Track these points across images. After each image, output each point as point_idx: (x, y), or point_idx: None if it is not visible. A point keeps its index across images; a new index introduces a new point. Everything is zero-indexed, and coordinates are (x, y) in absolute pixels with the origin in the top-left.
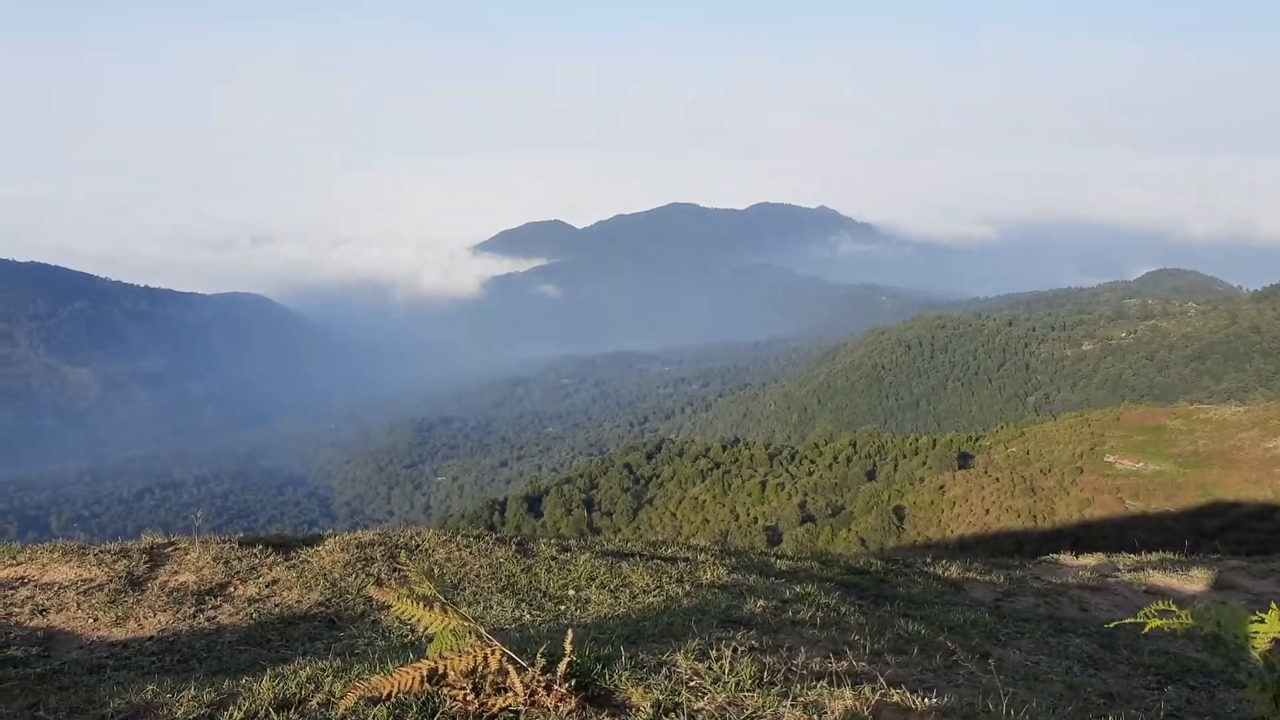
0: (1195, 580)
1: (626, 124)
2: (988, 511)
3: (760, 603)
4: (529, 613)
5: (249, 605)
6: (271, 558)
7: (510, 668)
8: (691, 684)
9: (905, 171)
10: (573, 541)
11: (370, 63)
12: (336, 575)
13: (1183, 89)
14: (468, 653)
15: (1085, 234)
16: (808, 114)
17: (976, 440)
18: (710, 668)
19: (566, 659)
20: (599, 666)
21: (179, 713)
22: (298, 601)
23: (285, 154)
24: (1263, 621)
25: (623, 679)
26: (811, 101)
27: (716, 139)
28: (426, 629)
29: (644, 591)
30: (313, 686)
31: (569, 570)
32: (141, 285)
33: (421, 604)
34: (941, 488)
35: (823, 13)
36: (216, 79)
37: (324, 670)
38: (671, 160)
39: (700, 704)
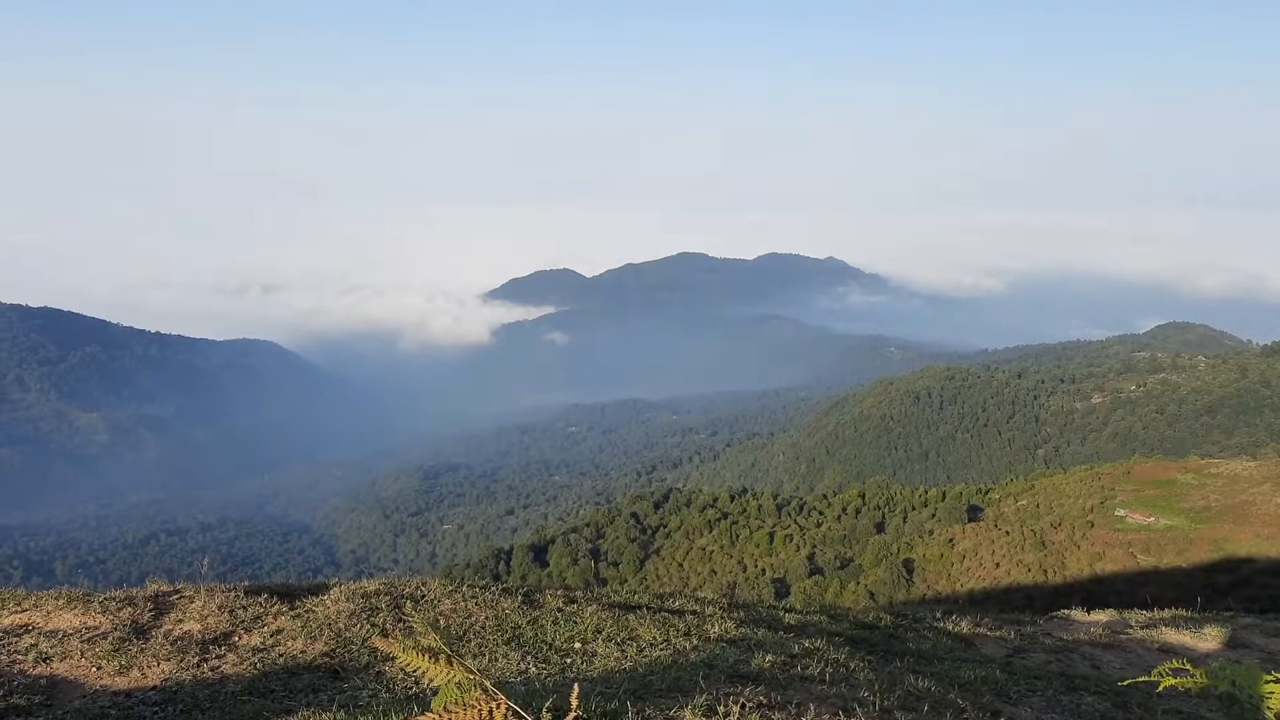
0: (1209, 638)
1: (636, 174)
2: (998, 565)
3: (769, 658)
4: (535, 665)
5: (253, 655)
6: (276, 607)
7: None
8: None
9: (913, 223)
10: (579, 593)
11: (383, 113)
12: (341, 625)
13: (1191, 142)
14: (473, 706)
15: (1093, 287)
16: (816, 165)
17: (986, 493)
18: None
19: (573, 714)
20: None
21: None
22: (302, 651)
23: (298, 202)
24: (1277, 681)
25: None
26: (820, 152)
27: (725, 189)
28: (431, 681)
29: (651, 645)
30: None
31: (575, 622)
32: (153, 331)
33: (427, 656)
34: (951, 540)
35: (832, 65)
36: (230, 127)
37: None
38: (681, 210)
39: None
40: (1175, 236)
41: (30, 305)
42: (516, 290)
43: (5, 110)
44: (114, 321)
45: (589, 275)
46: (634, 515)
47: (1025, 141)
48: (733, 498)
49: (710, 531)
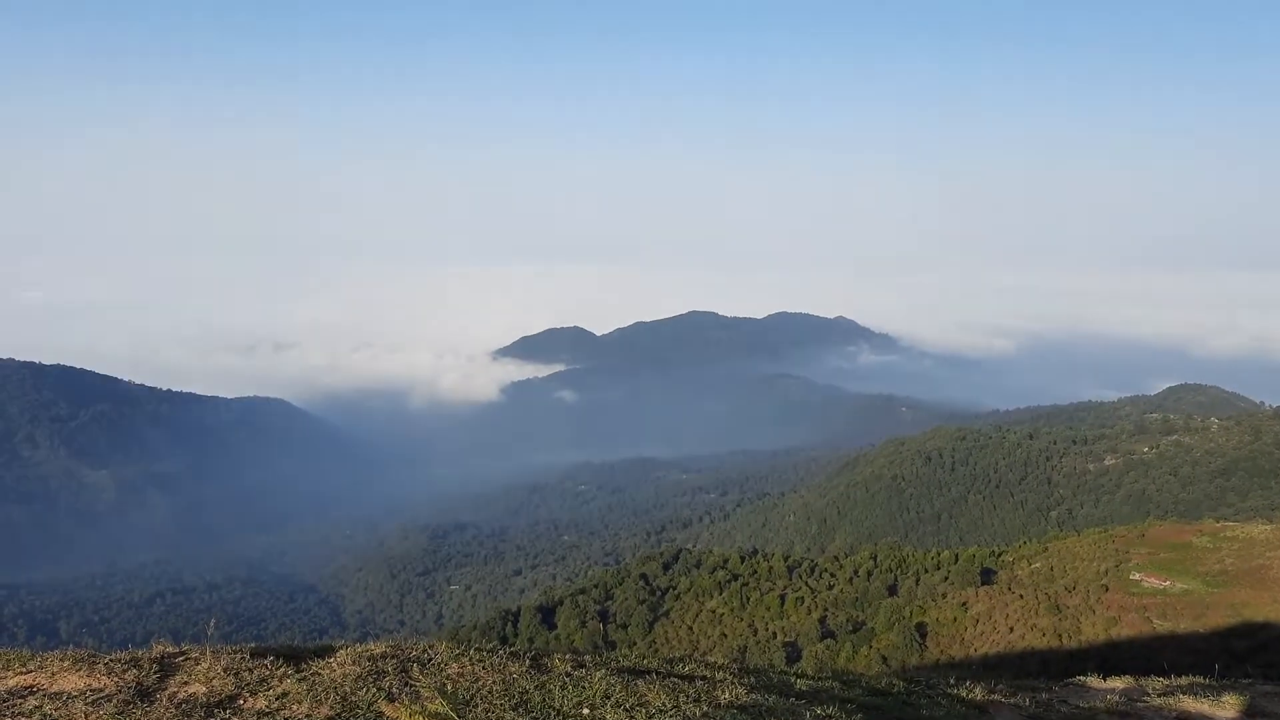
0: (1227, 706)
1: (646, 233)
2: (1011, 629)
3: None
4: None
5: (258, 719)
6: (282, 669)
7: None
8: None
9: (923, 283)
10: (587, 656)
11: (392, 170)
12: (348, 689)
13: (1202, 204)
14: None
15: (1104, 348)
16: (825, 224)
17: (999, 555)
18: None
19: None
20: None
21: None
22: (307, 716)
23: (310, 259)
24: None
25: None
26: (829, 212)
27: (735, 248)
28: None
29: (660, 711)
30: None
31: (584, 688)
32: (164, 389)
33: None
34: (964, 604)
35: (843, 123)
36: (243, 185)
37: None
38: (690, 268)
39: None
40: (1186, 298)
41: (43, 363)
42: (527, 348)
43: (20, 171)
44: (125, 379)
45: (599, 333)
46: (643, 576)
47: (1034, 202)
48: (743, 559)
49: (720, 593)
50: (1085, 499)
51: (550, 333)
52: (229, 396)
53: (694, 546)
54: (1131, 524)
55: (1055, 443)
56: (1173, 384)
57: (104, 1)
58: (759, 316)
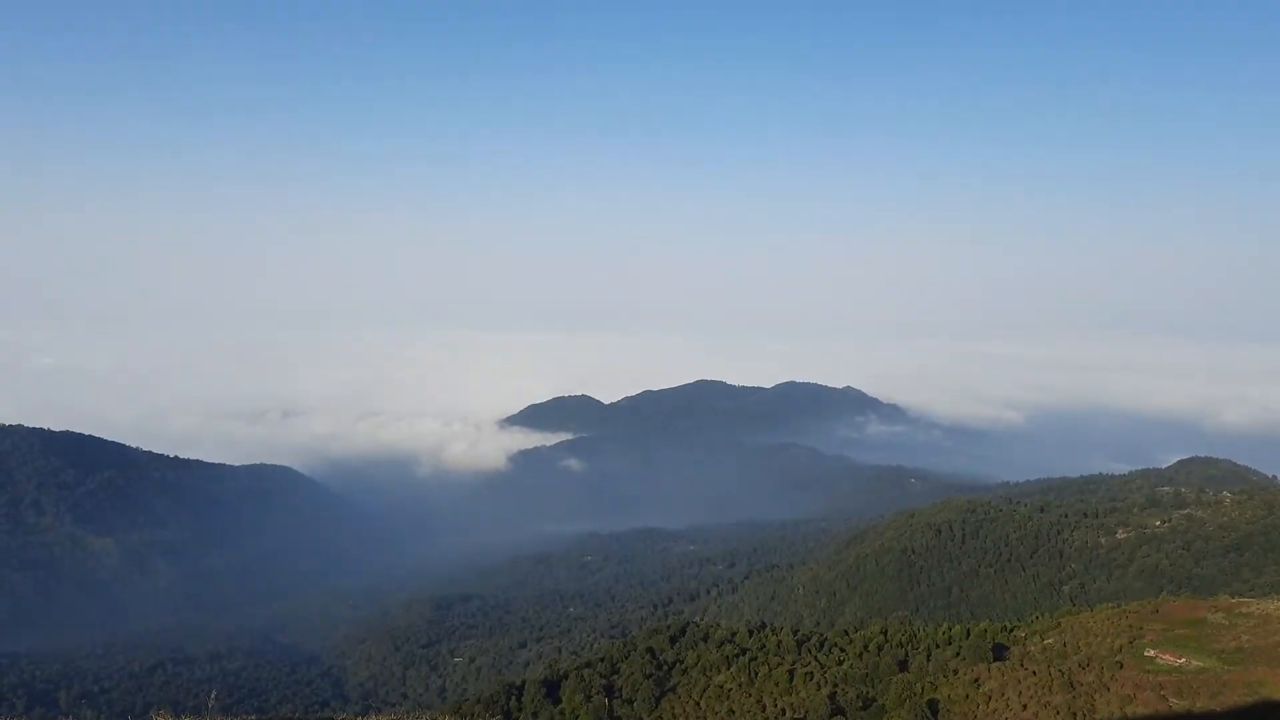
0: None
1: (655, 301)
2: (1025, 707)
3: None
4: None
5: None
6: None
7: None
8: None
9: (931, 354)
10: None
11: (400, 238)
12: None
13: (1212, 276)
14: None
15: (1114, 420)
16: (833, 294)
17: (1011, 631)
18: None
19: None
20: None
21: None
22: None
23: (317, 327)
24: None
25: None
26: (837, 281)
27: (743, 317)
28: None
29: None
30: None
31: None
32: (171, 456)
33: None
34: (976, 681)
35: (851, 193)
36: (249, 256)
37: None
38: (698, 337)
39: None
40: (1195, 370)
41: (52, 429)
42: (534, 416)
43: (33, 240)
44: (133, 446)
45: (607, 401)
46: (649, 650)
47: (1042, 273)
48: (751, 633)
49: (728, 668)
50: (1097, 573)
51: (558, 401)
52: (236, 464)
53: (701, 619)
54: (1145, 599)
55: (1066, 516)
56: (1183, 457)
57: (115, 75)
58: (767, 386)
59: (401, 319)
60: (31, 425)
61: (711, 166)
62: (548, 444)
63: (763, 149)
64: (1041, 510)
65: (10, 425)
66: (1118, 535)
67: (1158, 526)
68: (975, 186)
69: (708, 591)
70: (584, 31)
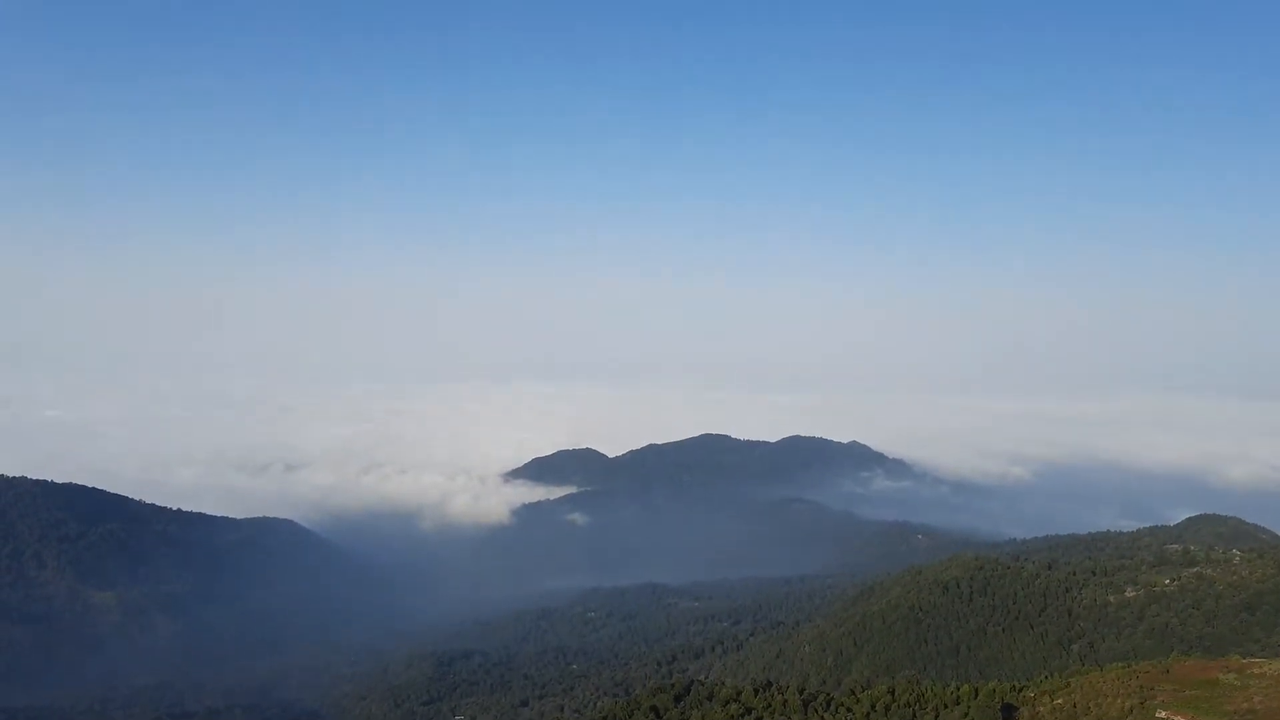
0: None
1: (660, 354)
2: None
3: None
4: None
5: None
6: None
7: None
8: None
9: (937, 409)
10: None
11: (403, 290)
12: None
13: (1218, 332)
14: None
15: (1121, 476)
16: (838, 348)
17: (1020, 691)
18: None
19: None
20: None
21: None
22: None
23: (319, 380)
24: None
25: None
26: (841, 336)
27: (748, 370)
28: None
29: None
30: None
31: None
32: (174, 508)
33: None
34: None
35: (858, 249)
36: (256, 307)
37: None
38: (703, 390)
39: None
40: (1201, 425)
41: (55, 481)
42: (538, 469)
43: (36, 291)
44: (136, 498)
45: (611, 455)
46: (653, 709)
47: (1049, 328)
48: (756, 692)
49: None
50: (1107, 632)
51: (562, 454)
52: (239, 517)
53: (706, 678)
54: (1156, 659)
55: (1075, 573)
56: (1192, 514)
57: (114, 125)
58: (772, 440)
59: (403, 371)
60: (35, 477)
61: (717, 219)
62: (551, 497)
63: (769, 203)
64: (1049, 567)
65: (14, 477)
66: (1127, 593)
67: (1167, 585)
68: (980, 243)
69: (712, 649)
70: (582, 87)
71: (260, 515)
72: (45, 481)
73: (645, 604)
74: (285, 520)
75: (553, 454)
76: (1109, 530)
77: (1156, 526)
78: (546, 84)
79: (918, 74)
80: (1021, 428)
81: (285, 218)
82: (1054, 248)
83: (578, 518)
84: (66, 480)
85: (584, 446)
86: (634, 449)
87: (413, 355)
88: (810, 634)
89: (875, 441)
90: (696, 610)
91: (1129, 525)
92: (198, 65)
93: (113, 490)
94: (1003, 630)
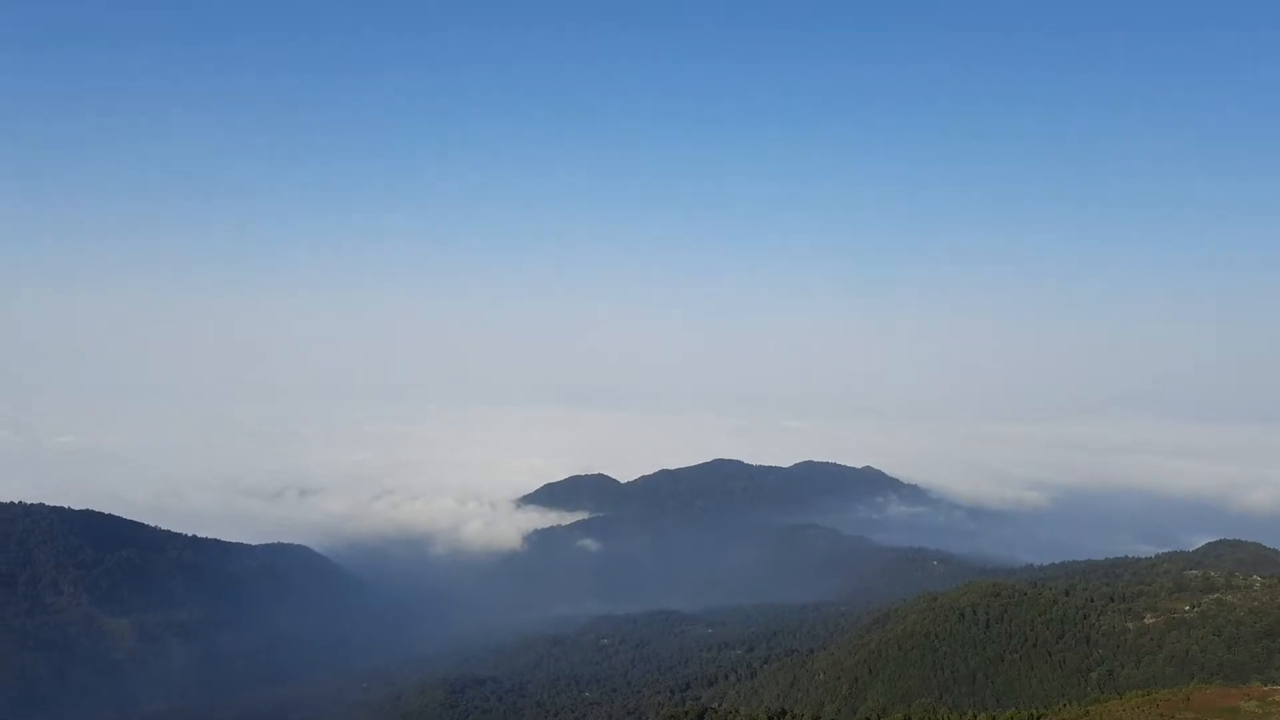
0: None
1: (672, 379)
2: None
3: None
4: None
5: None
6: None
7: None
8: None
9: (951, 434)
10: None
11: (416, 316)
12: None
13: (1237, 355)
14: None
15: (1138, 501)
16: (851, 373)
17: (1039, 719)
18: None
19: None
20: None
21: None
22: None
23: (331, 406)
24: None
25: None
26: (855, 360)
27: (761, 396)
28: None
29: None
30: None
31: None
32: (189, 535)
33: None
34: None
35: (870, 273)
36: (268, 334)
37: None
38: (716, 416)
39: None
40: (1219, 450)
41: (73, 508)
42: (550, 495)
43: (51, 318)
44: (151, 524)
45: (623, 481)
46: None
47: (1065, 353)
48: (771, 719)
49: None
50: (1126, 659)
51: (574, 480)
52: (253, 543)
53: (720, 705)
54: (1176, 687)
55: (1093, 599)
56: (1210, 539)
57: (127, 157)
58: (785, 465)
59: (415, 397)
60: (52, 504)
61: (728, 246)
62: (563, 523)
63: (781, 230)
64: (1067, 593)
65: (31, 504)
66: (1146, 620)
67: (1187, 611)
68: (994, 268)
69: (726, 676)
70: (597, 116)
71: (274, 541)
72: (61, 508)
73: (658, 631)
74: (299, 546)
75: (565, 480)
76: (1127, 556)
77: (1175, 552)
78: (564, 118)
79: (947, 96)
80: (1037, 453)
81: (296, 242)
82: (1073, 273)
83: (590, 543)
84: (83, 507)
85: (596, 472)
86: (646, 475)
87: (424, 381)
88: (824, 661)
89: (889, 467)
90: (710, 637)
91: (1147, 551)
92: (209, 88)
93: (128, 516)
94: (1020, 657)
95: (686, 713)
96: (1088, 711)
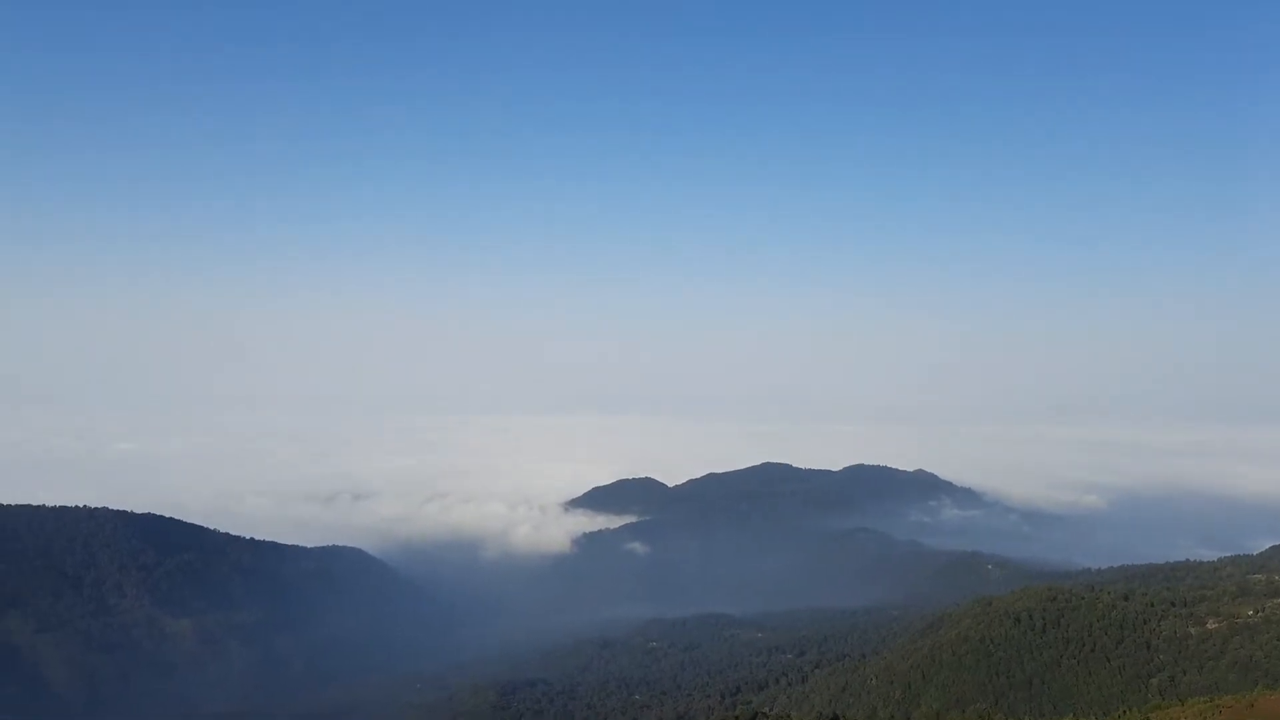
0: None
1: (719, 382)
2: None
3: None
4: None
5: None
6: None
7: None
8: None
9: (1006, 436)
10: None
11: (467, 322)
12: None
13: None
14: None
15: (1200, 504)
16: (902, 375)
17: None
18: None
19: None
20: None
21: None
22: None
23: (387, 410)
24: None
25: None
26: (907, 362)
27: (810, 398)
28: None
29: None
30: None
31: None
32: (247, 538)
33: None
34: None
35: (921, 272)
36: (322, 340)
37: None
38: (763, 419)
39: None
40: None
41: (135, 512)
42: (598, 499)
43: (115, 331)
44: (211, 528)
45: (671, 484)
46: None
47: (1123, 354)
48: None
49: None
50: (1188, 665)
51: (621, 484)
52: (308, 546)
53: (771, 710)
54: (1239, 694)
55: (1153, 604)
56: (1276, 542)
57: (179, 168)
58: (835, 469)
59: (458, 404)
60: (115, 508)
61: (777, 248)
62: (611, 527)
63: (832, 232)
64: (1126, 598)
65: (95, 508)
66: (1208, 625)
67: (1251, 616)
68: (1047, 267)
69: (776, 681)
70: (633, 121)
71: (329, 544)
72: (124, 512)
73: (707, 635)
74: (353, 548)
75: (612, 483)
76: (1188, 560)
77: (1238, 556)
78: (605, 129)
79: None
80: (1094, 456)
81: (346, 252)
82: (1131, 276)
83: (638, 547)
84: (145, 510)
85: (643, 476)
86: (694, 478)
87: (465, 389)
88: (877, 667)
89: (942, 469)
90: (759, 642)
91: (1209, 554)
92: (248, 96)
93: (188, 520)
94: (1078, 663)
95: (737, 717)
96: (1148, 717)
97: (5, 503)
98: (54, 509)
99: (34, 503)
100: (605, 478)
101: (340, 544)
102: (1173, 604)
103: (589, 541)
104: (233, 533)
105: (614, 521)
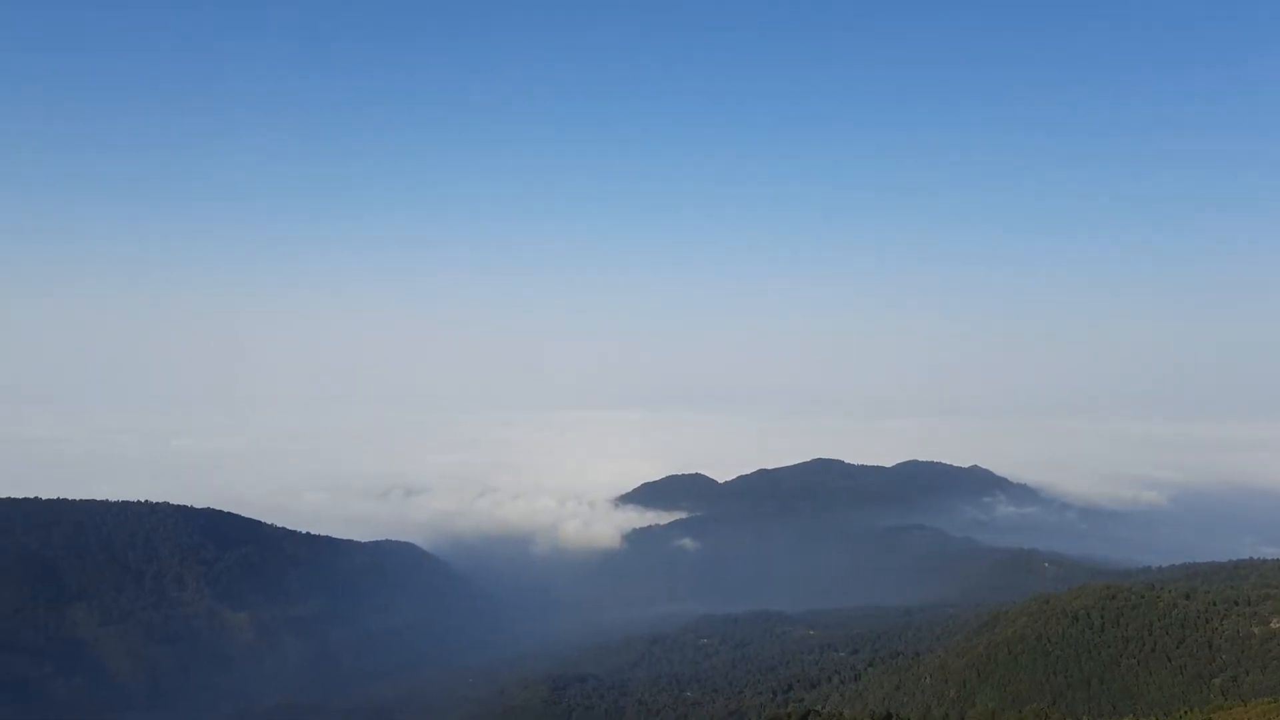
0: None
1: (770, 378)
2: None
3: None
4: None
5: None
6: None
7: None
8: None
9: (1062, 432)
10: None
11: (518, 319)
12: None
13: None
14: None
15: (1264, 502)
16: (956, 370)
17: None
18: None
19: None
20: None
21: None
22: None
23: (431, 408)
24: None
25: None
26: (960, 357)
27: (862, 393)
28: None
29: None
30: None
31: None
32: (304, 532)
33: None
34: None
35: (974, 266)
36: (374, 339)
37: None
38: (815, 415)
39: None
40: None
41: (195, 507)
42: (648, 495)
43: (173, 332)
44: (268, 522)
45: (721, 480)
46: None
47: (1177, 351)
48: None
49: None
50: (1251, 665)
51: (672, 479)
52: (362, 540)
53: (824, 708)
54: None
55: (1215, 603)
56: None
57: (239, 171)
58: (888, 465)
59: (518, 397)
60: (176, 503)
61: (830, 244)
62: (661, 523)
63: (878, 227)
64: (1187, 597)
65: (157, 503)
66: (1272, 625)
67: None
68: (1103, 264)
69: (829, 679)
70: (665, 120)
71: (383, 539)
72: (184, 506)
73: (758, 631)
74: (406, 543)
75: (662, 479)
76: (1251, 558)
77: None
78: (639, 133)
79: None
80: (1153, 452)
81: (394, 252)
82: (1180, 269)
83: (688, 543)
84: (205, 505)
85: (693, 472)
86: (744, 474)
87: (525, 380)
88: (931, 665)
89: (998, 466)
90: (812, 639)
91: (1273, 552)
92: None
93: (247, 515)
94: (1137, 663)
95: (789, 715)
96: (1210, 718)
97: (70, 498)
98: (117, 504)
99: (97, 497)
100: (655, 474)
101: (393, 539)
102: (1236, 603)
103: (639, 537)
104: (289, 527)
105: (664, 518)
